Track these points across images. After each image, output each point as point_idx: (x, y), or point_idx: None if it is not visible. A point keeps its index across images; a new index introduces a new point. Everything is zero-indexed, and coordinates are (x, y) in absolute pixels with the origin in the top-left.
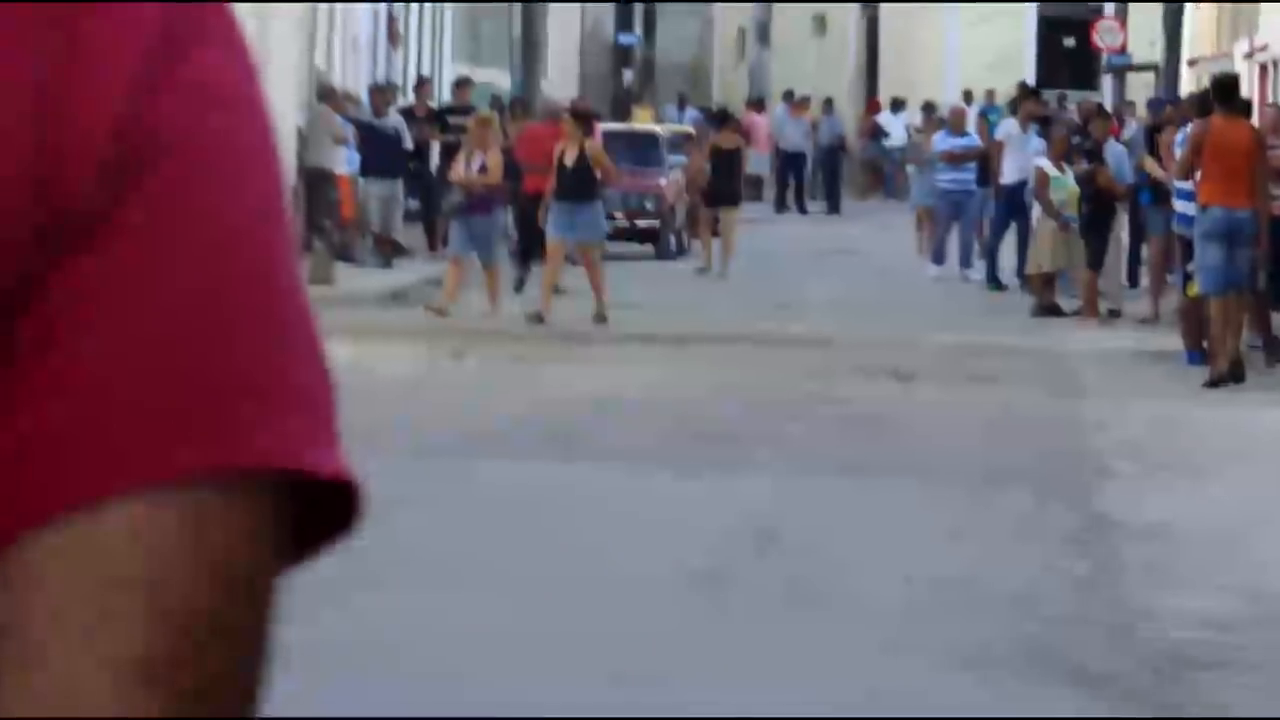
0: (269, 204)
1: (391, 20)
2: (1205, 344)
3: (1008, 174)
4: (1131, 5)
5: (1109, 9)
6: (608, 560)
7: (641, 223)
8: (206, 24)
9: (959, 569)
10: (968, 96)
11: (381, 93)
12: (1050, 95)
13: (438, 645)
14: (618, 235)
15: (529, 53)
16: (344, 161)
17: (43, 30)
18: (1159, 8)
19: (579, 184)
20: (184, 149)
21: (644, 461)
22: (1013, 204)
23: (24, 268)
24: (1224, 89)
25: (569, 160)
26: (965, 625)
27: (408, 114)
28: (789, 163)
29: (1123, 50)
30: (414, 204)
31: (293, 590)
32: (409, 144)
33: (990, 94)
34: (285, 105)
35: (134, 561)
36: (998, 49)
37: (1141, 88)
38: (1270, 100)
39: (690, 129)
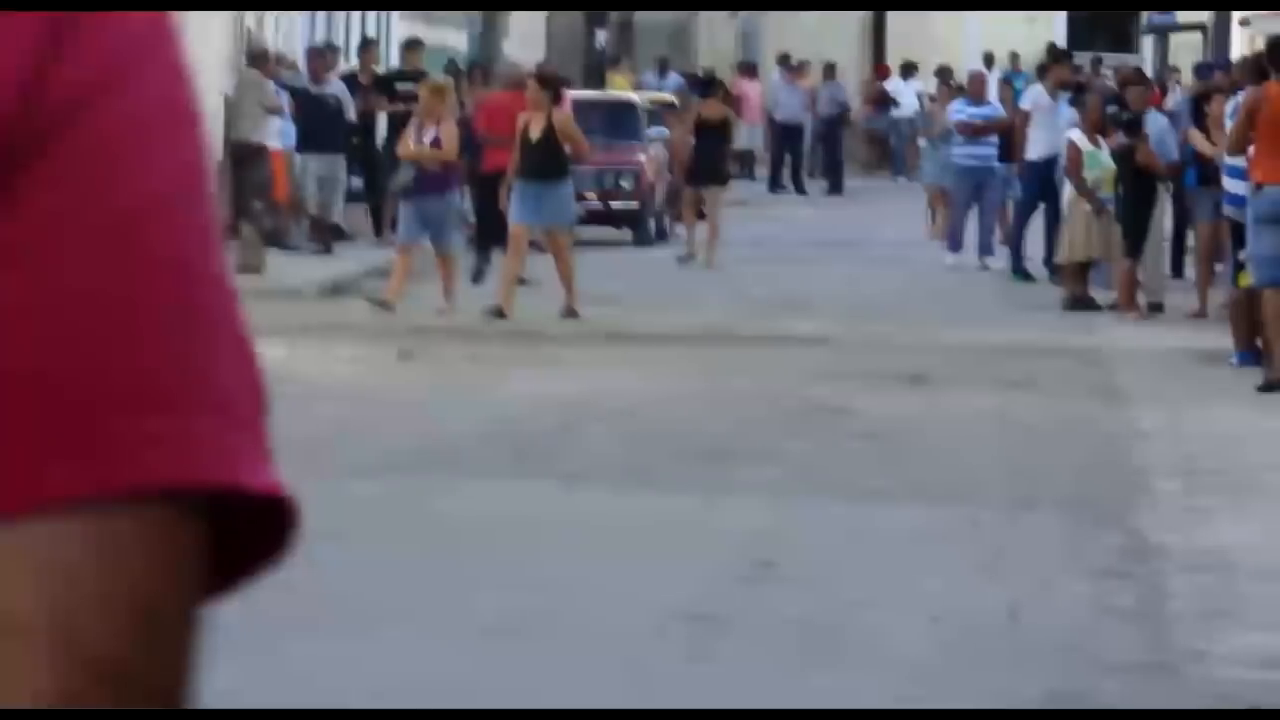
0: (186, 183)
1: None
2: (1259, 343)
3: (1034, 149)
4: None
5: None
6: (579, 597)
7: (617, 204)
8: None
9: (987, 607)
10: (989, 60)
11: (321, 56)
12: (1083, 59)
13: (380, 697)
14: (590, 218)
15: (489, 11)
16: (277, 134)
17: None
18: None
19: (546, 161)
20: (87, 124)
21: (621, 482)
22: (1040, 183)
23: None
24: None
25: (534, 133)
26: (995, 671)
27: (350, 81)
28: (784, 136)
29: (1166, 8)
30: (357, 183)
31: (216, 632)
32: (352, 115)
33: (1014, 57)
34: (210, 71)
35: (35, 592)
36: (1022, 6)
37: (1187, 50)
38: None
39: (672, 98)
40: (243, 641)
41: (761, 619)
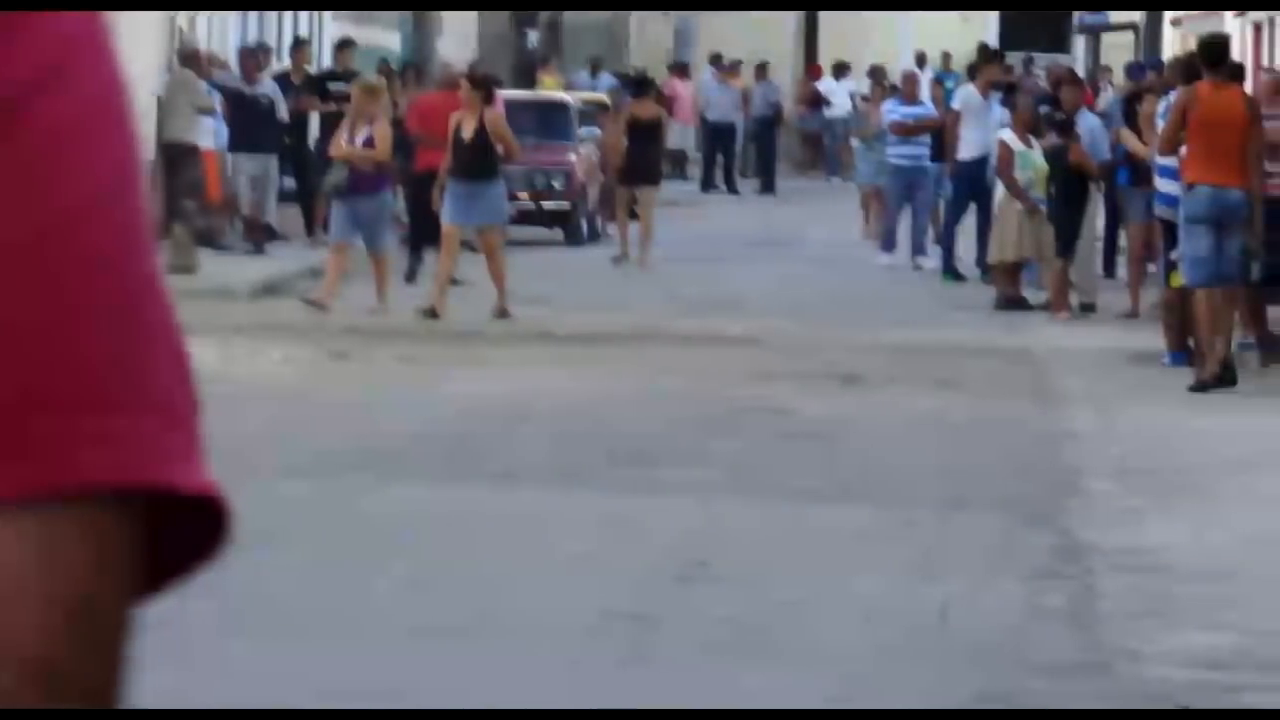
0: (120, 183)
1: None
2: (1191, 343)
3: (966, 148)
4: None
5: None
6: (513, 597)
7: (549, 204)
8: None
9: (919, 607)
10: (920, 60)
11: (253, 56)
12: (1015, 59)
13: (311, 699)
14: (522, 219)
15: (421, 12)
16: (209, 134)
17: None
18: None
19: (478, 160)
20: (21, 125)
21: (554, 482)
22: (972, 183)
23: None
24: (1212, 52)
25: (466, 134)
26: (927, 671)
27: (283, 80)
28: (717, 136)
29: (1095, 8)
30: (290, 183)
31: (147, 633)
32: (284, 114)
33: (946, 57)
34: (142, 70)
35: None
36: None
37: (1119, 50)
38: (1265, 64)
39: (604, 97)
40: (175, 643)
41: (695, 619)
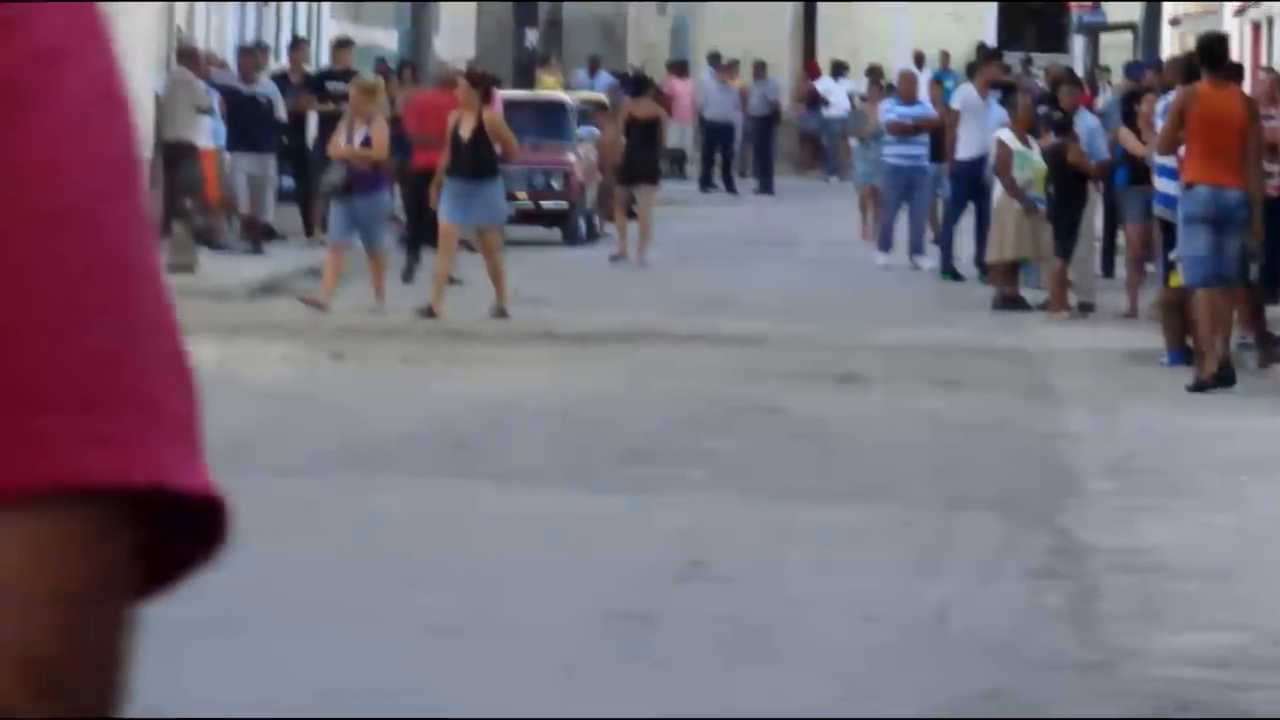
0: (114, 179)
1: None
2: (1190, 342)
3: (964, 148)
4: None
5: None
6: (508, 596)
7: (547, 204)
8: None
9: (918, 607)
10: (919, 60)
11: (251, 55)
12: (1013, 58)
13: (310, 698)
14: (520, 218)
15: (418, 10)
16: (208, 133)
17: None
18: None
19: (476, 160)
20: (17, 127)
21: (552, 481)
22: (970, 183)
23: None
24: (1211, 51)
25: (465, 133)
26: (926, 670)
27: (281, 80)
28: (715, 135)
29: (1096, 7)
30: (288, 182)
31: (147, 633)
32: (282, 114)
33: (945, 56)
34: (140, 69)
35: None
36: (953, 5)
37: (1117, 50)
38: (1264, 64)
39: (603, 97)
40: (175, 643)
41: (693, 618)
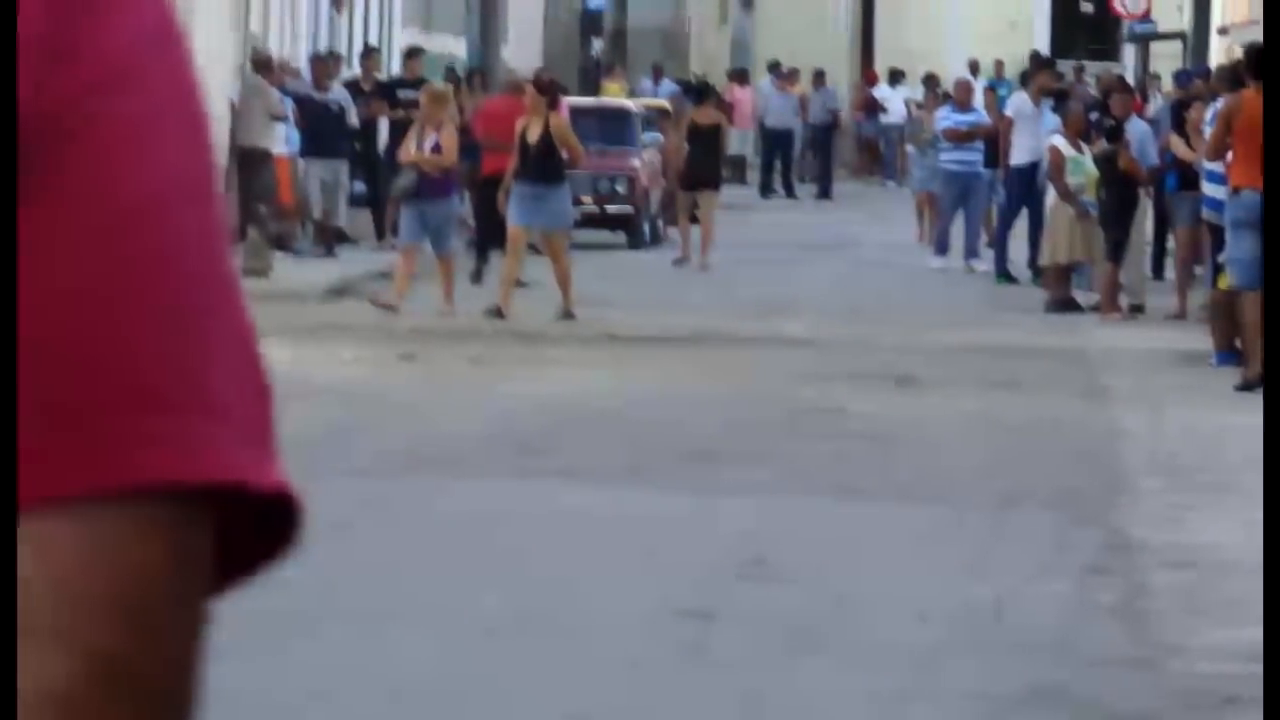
0: (186, 184)
1: None
2: (1238, 343)
3: (1018, 154)
4: None
5: None
6: (574, 594)
7: (612, 208)
8: None
9: (972, 604)
10: (974, 68)
11: (324, 63)
12: (1066, 67)
13: (380, 694)
14: (586, 222)
15: (487, 19)
16: (282, 140)
17: None
18: None
19: (543, 165)
20: (92, 129)
21: (615, 480)
22: (1024, 188)
23: None
24: (1259, 59)
25: (532, 139)
26: (980, 666)
27: (353, 87)
28: (775, 141)
29: (1146, 17)
30: (360, 187)
31: (221, 632)
32: (354, 121)
33: (999, 65)
34: (216, 77)
35: (37, 589)
36: (1007, 15)
37: (1167, 58)
38: None
39: (666, 104)
40: (246, 640)
41: (753, 616)
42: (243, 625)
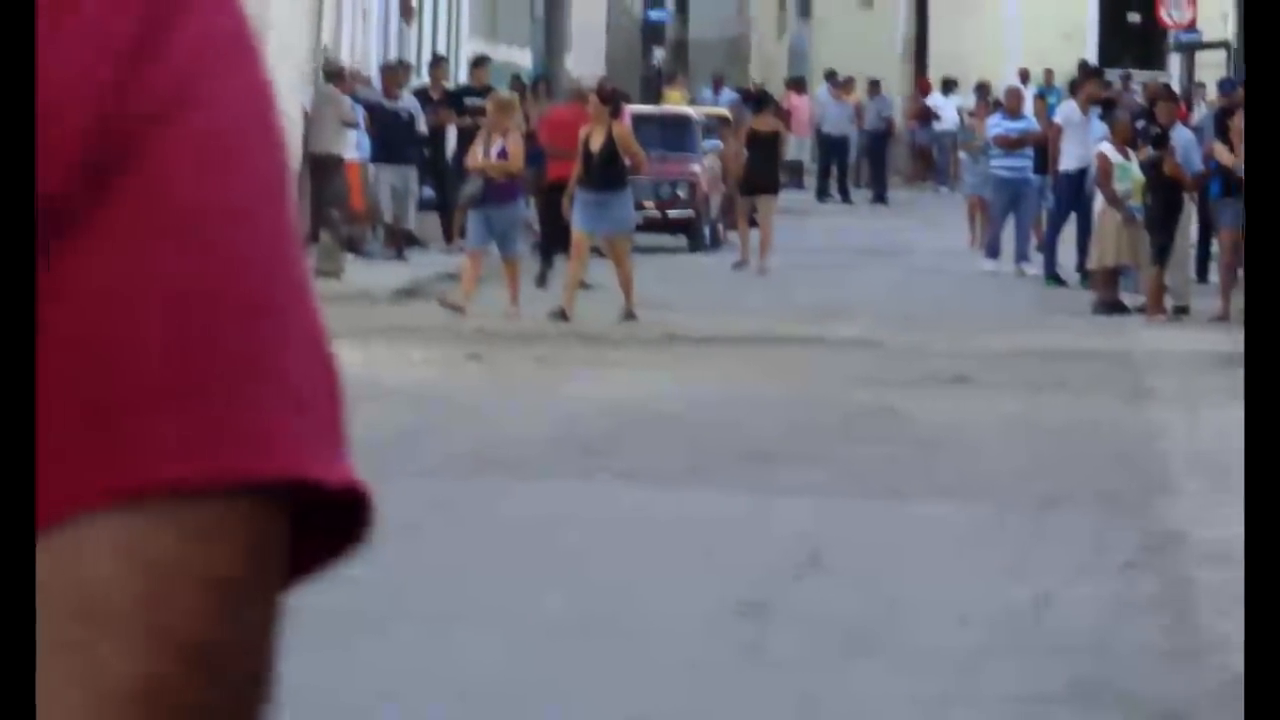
0: (261, 189)
1: None
2: None
3: (1067, 161)
4: None
5: None
6: (634, 595)
7: (674, 213)
8: None
9: (1017, 600)
10: (1024, 76)
11: (393, 72)
12: (1113, 75)
13: (447, 694)
14: (648, 226)
15: (552, 29)
16: (353, 146)
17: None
18: None
19: (606, 171)
20: (171, 135)
21: (675, 481)
22: (1073, 193)
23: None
24: None
25: (595, 146)
26: (1024, 661)
27: (422, 95)
28: (832, 148)
29: (1192, 26)
30: (428, 193)
31: (292, 631)
32: (423, 128)
33: (1049, 74)
34: (289, 85)
35: (124, 580)
36: (1057, 25)
37: (1212, 67)
38: None
39: (726, 112)
40: (316, 637)
41: (809, 616)
42: (312, 623)
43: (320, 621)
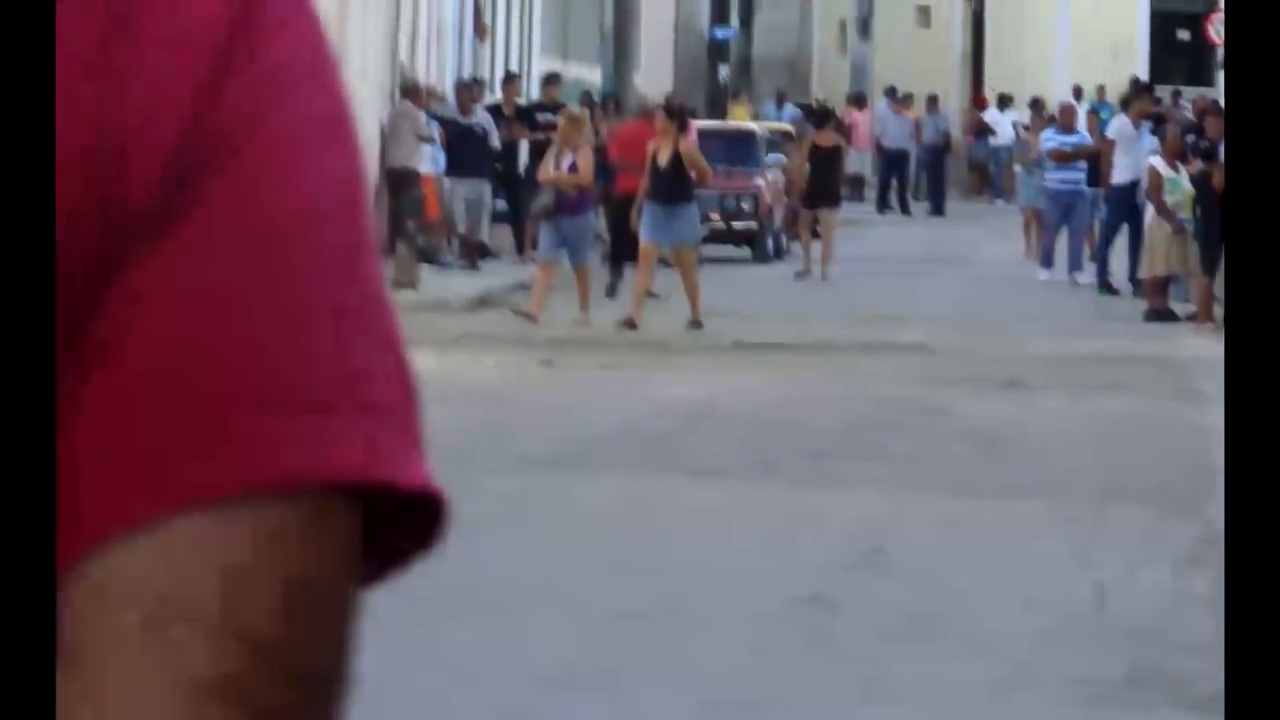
0: (339, 199)
1: (478, 12)
2: None
3: (1119, 174)
4: None
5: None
6: (702, 583)
7: (738, 225)
8: (283, 9)
9: (1076, 593)
10: (1077, 92)
11: (468, 89)
12: (1164, 91)
13: (521, 677)
14: (713, 238)
15: (620, 47)
16: (429, 160)
17: (99, 21)
18: None
19: (673, 184)
20: (254, 146)
21: (741, 478)
22: (1125, 205)
23: (89, 269)
24: None
25: (663, 160)
26: (1083, 652)
27: (495, 111)
28: (891, 162)
29: None
30: (501, 205)
31: (370, 619)
32: (496, 142)
33: (1101, 90)
34: (367, 101)
35: (203, 581)
36: (1109, 43)
37: None
38: None
39: (789, 127)
40: (393, 625)
41: (869, 605)
42: (388, 610)
43: (397, 608)
